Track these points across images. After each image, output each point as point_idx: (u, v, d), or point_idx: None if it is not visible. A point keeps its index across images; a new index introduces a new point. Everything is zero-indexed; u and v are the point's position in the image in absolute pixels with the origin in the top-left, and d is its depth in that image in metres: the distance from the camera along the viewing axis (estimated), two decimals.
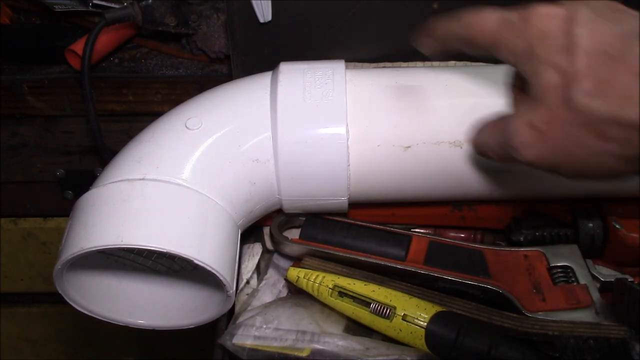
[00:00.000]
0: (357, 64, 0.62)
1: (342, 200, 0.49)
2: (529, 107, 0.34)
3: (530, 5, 0.35)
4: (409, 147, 0.47)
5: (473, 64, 0.60)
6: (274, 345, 0.46)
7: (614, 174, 0.33)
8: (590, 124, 0.31)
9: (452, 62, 0.61)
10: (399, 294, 0.47)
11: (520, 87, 0.40)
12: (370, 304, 0.46)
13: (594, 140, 0.32)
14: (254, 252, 0.55)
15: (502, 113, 0.38)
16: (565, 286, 0.48)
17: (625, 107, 0.30)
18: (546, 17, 0.34)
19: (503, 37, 0.36)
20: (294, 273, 0.50)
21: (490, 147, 0.38)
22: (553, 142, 0.33)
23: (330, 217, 0.53)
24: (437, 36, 0.41)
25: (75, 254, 0.41)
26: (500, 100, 0.47)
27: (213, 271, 0.42)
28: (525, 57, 0.34)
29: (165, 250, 0.41)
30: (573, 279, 0.49)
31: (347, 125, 0.47)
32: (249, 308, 0.51)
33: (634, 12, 0.34)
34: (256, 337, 0.46)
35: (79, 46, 0.71)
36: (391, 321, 0.46)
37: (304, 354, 0.45)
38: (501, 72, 0.49)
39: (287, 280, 0.51)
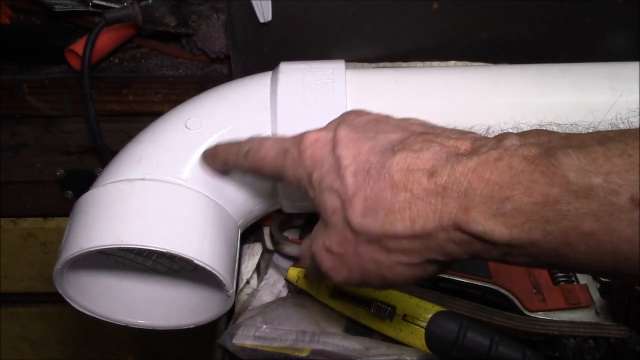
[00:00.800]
0: (357, 64, 0.62)
1: None
2: (323, 232, 0.34)
3: (304, 132, 0.36)
4: None
5: (473, 64, 0.60)
6: (274, 345, 0.46)
7: (416, 280, 0.33)
8: (371, 241, 0.32)
9: (452, 62, 0.61)
10: (399, 294, 0.47)
11: None
12: (370, 304, 0.46)
13: (381, 254, 0.32)
14: (254, 252, 0.55)
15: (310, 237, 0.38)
16: (565, 286, 0.48)
17: (392, 220, 0.30)
18: (315, 143, 0.35)
19: (285, 167, 0.37)
20: (294, 273, 0.50)
21: (310, 270, 0.38)
22: (350, 262, 0.33)
23: None
24: (223, 162, 0.43)
25: (75, 254, 0.41)
26: (500, 99, 0.47)
27: (213, 271, 0.42)
28: (308, 184, 0.35)
29: (165, 250, 0.41)
30: (573, 279, 0.49)
31: None
32: (249, 308, 0.51)
33: (397, 122, 0.35)
34: (256, 337, 0.46)
35: (79, 46, 0.70)
36: (391, 321, 0.45)
37: (304, 354, 0.45)
38: (501, 71, 0.49)
39: (287, 280, 0.51)
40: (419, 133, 0.32)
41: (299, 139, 0.36)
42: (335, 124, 0.35)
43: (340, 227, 0.33)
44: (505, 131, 0.31)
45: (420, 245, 0.30)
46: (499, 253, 0.28)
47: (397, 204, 0.30)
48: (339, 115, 0.37)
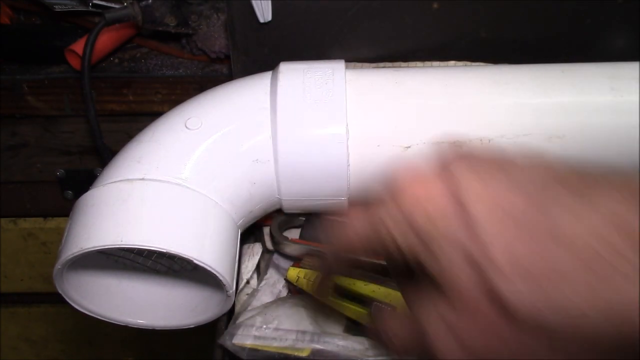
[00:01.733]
0: (357, 64, 0.62)
1: (342, 200, 0.49)
2: (444, 308, 0.25)
3: (399, 187, 0.27)
4: (409, 147, 0.47)
5: (473, 64, 0.60)
6: (274, 345, 0.46)
7: None
8: (529, 326, 0.23)
9: (452, 62, 0.61)
10: (399, 294, 0.47)
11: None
12: (370, 304, 0.46)
13: (542, 349, 0.23)
14: (254, 252, 0.55)
15: (410, 308, 0.29)
16: None
17: (565, 290, 0.21)
18: (424, 202, 0.26)
19: (386, 237, 0.28)
20: (294, 273, 0.50)
21: (400, 341, 0.29)
22: (480, 346, 0.24)
23: (331, 217, 0.53)
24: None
25: (75, 254, 0.41)
26: (500, 99, 0.47)
27: (213, 271, 0.42)
28: (422, 252, 0.26)
29: (165, 250, 0.41)
30: None
31: (347, 125, 0.47)
32: (249, 308, 0.51)
33: (516, 161, 0.26)
34: (256, 337, 0.46)
35: (79, 46, 0.70)
36: None
37: (304, 354, 0.45)
38: (501, 71, 0.49)
39: (287, 280, 0.51)
40: None
41: (397, 196, 0.27)
42: (441, 170, 0.27)
43: (476, 307, 0.24)
44: None
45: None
46: None
47: (569, 266, 0.22)
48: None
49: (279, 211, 0.52)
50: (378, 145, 0.47)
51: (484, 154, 0.28)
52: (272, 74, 0.51)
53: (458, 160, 0.27)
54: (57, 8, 0.73)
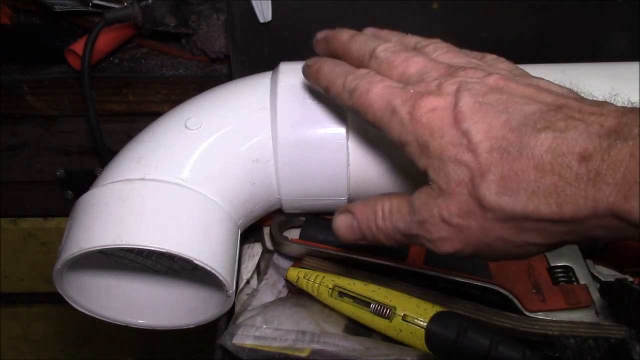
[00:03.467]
0: None
1: (342, 200, 0.49)
2: (435, 200, 0.33)
3: (416, 95, 0.34)
4: None
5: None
6: (274, 345, 0.46)
7: (537, 254, 0.33)
8: (504, 220, 0.30)
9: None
10: (399, 294, 0.47)
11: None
12: (370, 304, 0.46)
13: (511, 233, 0.31)
14: (254, 252, 0.55)
15: (398, 199, 0.36)
16: (565, 286, 0.48)
17: (536, 203, 0.29)
18: (432, 112, 0.33)
19: (390, 126, 0.35)
20: (294, 273, 0.50)
21: (389, 234, 0.36)
22: (469, 236, 0.32)
23: (331, 217, 0.53)
24: (324, 88, 0.41)
25: (75, 254, 0.41)
26: None
27: (213, 271, 0.42)
28: (418, 151, 0.33)
29: (164, 250, 0.41)
30: (573, 279, 0.49)
31: (347, 125, 0.47)
32: (249, 308, 0.51)
33: (522, 90, 0.33)
34: (256, 337, 0.46)
35: (79, 46, 0.71)
36: (391, 321, 0.45)
37: (304, 354, 0.45)
38: None
39: (287, 280, 0.51)
40: (556, 107, 0.30)
41: (412, 103, 0.34)
42: (453, 90, 0.33)
43: (465, 200, 0.31)
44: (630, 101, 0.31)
45: (564, 229, 0.29)
46: None
47: (542, 186, 0.29)
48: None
49: (279, 211, 0.52)
50: (378, 145, 0.47)
51: (486, 78, 0.34)
52: (272, 74, 0.51)
53: (463, 86, 0.33)
54: (57, 8, 0.73)
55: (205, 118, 0.48)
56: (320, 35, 0.45)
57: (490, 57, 0.38)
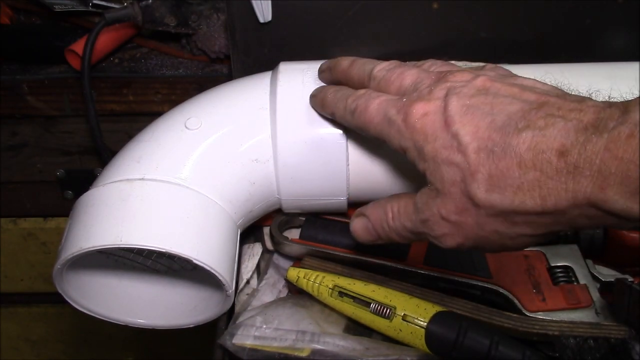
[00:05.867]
0: None
1: (341, 200, 0.49)
2: (434, 200, 0.35)
3: (408, 102, 0.36)
4: None
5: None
6: (274, 345, 0.46)
7: (534, 245, 0.35)
8: (495, 215, 0.33)
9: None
10: (399, 294, 0.47)
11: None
12: (370, 304, 0.46)
13: (504, 226, 0.33)
14: (254, 252, 0.55)
15: (405, 200, 0.38)
16: (565, 286, 0.48)
17: (521, 198, 0.31)
18: (424, 117, 0.35)
19: (390, 136, 0.37)
20: (294, 273, 0.50)
21: (400, 233, 0.39)
22: (467, 231, 0.34)
23: (330, 217, 0.53)
24: (330, 113, 0.44)
25: (75, 254, 0.41)
26: None
27: (212, 271, 0.42)
28: (417, 156, 0.36)
29: (164, 250, 0.41)
30: (573, 279, 0.49)
31: None
32: (249, 308, 0.51)
33: (507, 89, 0.34)
34: (256, 337, 0.46)
35: (79, 46, 0.71)
36: (391, 321, 0.45)
37: (304, 354, 0.45)
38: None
39: (287, 280, 0.51)
40: (538, 105, 0.32)
41: (405, 110, 0.36)
42: (442, 94, 0.35)
43: (459, 199, 0.33)
44: (624, 98, 0.31)
45: (549, 220, 0.31)
46: (632, 225, 0.30)
47: (526, 182, 0.31)
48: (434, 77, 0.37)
49: (279, 211, 0.52)
50: (377, 145, 0.47)
51: (474, 81, 0.36)
52: (272, 74, 0.51)
53: (452, 90, 0.35)
54: (57, 8, 0.73)
55: (205, 118, 0.48)
56: (324, 66, 0.48)
57: (489, 67, 0.40)
